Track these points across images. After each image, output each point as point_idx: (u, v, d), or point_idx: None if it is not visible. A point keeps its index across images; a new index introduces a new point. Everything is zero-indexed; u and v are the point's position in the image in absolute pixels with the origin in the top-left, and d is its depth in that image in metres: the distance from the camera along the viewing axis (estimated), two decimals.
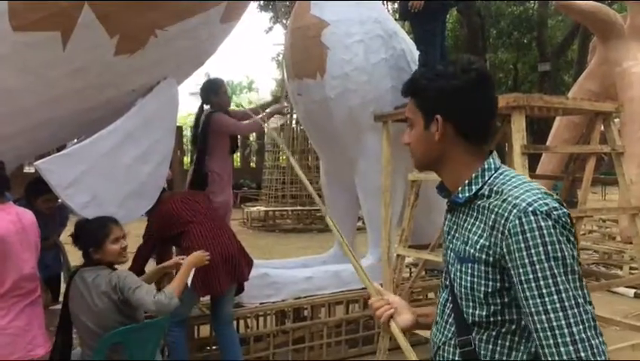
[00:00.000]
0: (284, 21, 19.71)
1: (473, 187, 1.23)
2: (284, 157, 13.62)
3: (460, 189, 1.25)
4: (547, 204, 1.11)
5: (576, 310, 1.07)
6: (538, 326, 1.08)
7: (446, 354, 1.28)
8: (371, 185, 4.17)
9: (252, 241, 8.81)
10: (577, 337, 1.05)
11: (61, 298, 3.95)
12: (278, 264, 4.71)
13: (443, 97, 1.24)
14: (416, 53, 4.27)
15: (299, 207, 12.63)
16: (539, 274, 1.08)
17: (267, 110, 4.52)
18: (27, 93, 3.05)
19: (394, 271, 3.74)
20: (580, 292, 1.09)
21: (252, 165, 19.02)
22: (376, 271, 4.24)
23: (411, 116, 1.32)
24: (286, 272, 4.22)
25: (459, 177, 1.26)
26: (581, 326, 1.06)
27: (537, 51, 16.85)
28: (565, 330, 1.06)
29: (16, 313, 2.47)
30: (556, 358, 1.06)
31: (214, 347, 3.82)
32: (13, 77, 2.97)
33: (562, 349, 1.06)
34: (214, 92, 4.34)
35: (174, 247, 3.98)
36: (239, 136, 4.80)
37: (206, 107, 4.44)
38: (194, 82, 23.50)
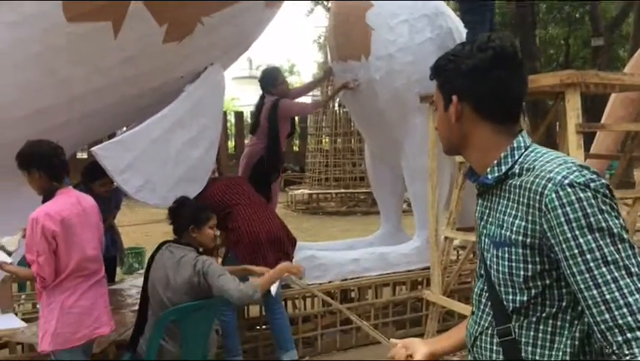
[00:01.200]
0: (326, 3, 19.56)
1: (503, 167, 1.17)
2: (326, 140, 13.62)
3: (489, 170, 1.19)
4: (583, 176, 1.05)
5: (629, 280, 1.00)
6: (590, 302, 1.02)
7: (483, 344, 1.24)
8: (417, 167, 4.13)
9: (296, 224, 8.89)
10: (634, 307, 0.98)
11: (117, 279, 4.15)
12: (324, 246, 4.75)
13: (458, 77, 1.19)
14: (464, 32, 4.16)
15: (342, 190, 12.63)
16: (584, 248, 1.02)
17: (336, 88, 4.64)
18: (81, 82, 3.16)
19: (442, 253, 3.71)
20: (632, 261, 1.02)
21: (295, 148, 19.13)
22: (424, 253, 4.23)
23: (435, 98, 1.29)
24: (333, 254, 4.25)
25: (486, 158, 1.21)
26: (638, 296, 0.99)
27: (590, 25, 16.09)
28: (620, 301, 0.99)
29: (82, 293, 2.59)
30: (616, 331, 1.00)
31: (264, 327, 3.90)
32: (67, 67, 3.08)
33: (620, 322, 0.99)
34: (271, 83, 4.43)
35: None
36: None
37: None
38: (237, 67, 23.74)
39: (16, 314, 3.53)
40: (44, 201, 2.61)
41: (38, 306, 3.86)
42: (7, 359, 3.28)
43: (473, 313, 1.29)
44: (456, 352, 1.46)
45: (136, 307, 3.01)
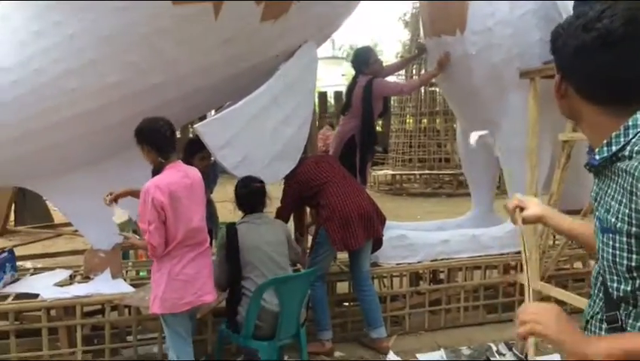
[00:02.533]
0: None
1: (613, 147, 1.08)
2: (410, 121, 13.37)
3: (597, 150, 1.11)
4: None
5: None
6: None
7: (593, 328, 1.19)
8: (515, 146, 3.95)
9: (379, 204, 8.80)
10: None
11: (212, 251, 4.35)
12: (413, 226, 4.70)
13: (562, 55, 1.13)
14: (570, 2, 3.89)
15: (427, 171, 12.39)
16: None
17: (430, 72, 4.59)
18: (184, 63, 3.31)
19: (540, 237, 3.55)
20: None
21: (378, 128, 18.98)
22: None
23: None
24: (423, 234, 4.20)
25: (596, 136, 1.13)
26: None
27: None
28: None
29: (188, 262, 2.75)
30: None
31: (352, 303, 3.95)
32: (171, 48, 3.23)
33: None
34: (364, 62, 4.41)
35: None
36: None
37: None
38: (320, 48, 23.70)
39: (124, 280, 3.81)
40: (153, 175, 2.79)
41: (141, 273, 4.17)
42: (117, 320, 3.56)
43: (590, 295, 1.24)
44: (566, 237, 1.43)
45: None
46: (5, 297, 3.41)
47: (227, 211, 4.99)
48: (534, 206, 1.43)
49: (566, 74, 1.14)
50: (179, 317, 2.79)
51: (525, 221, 1.43)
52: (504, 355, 3.59)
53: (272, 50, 3.54)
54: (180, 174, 2.75)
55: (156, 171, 2.77)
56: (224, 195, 4.46)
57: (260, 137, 3.46)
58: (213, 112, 4.20)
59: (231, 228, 3.13)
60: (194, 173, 2.86)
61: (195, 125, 3.26)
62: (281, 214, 3.74)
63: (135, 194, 2.91)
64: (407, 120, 13.45)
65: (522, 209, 1.43)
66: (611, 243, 1.08)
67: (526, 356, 3.38)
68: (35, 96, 3.15)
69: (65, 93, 3.17)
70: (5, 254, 3.70)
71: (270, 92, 3.48)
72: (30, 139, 3.26)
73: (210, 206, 4.40)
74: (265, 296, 2.89)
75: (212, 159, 3.96)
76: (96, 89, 3.21)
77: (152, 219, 2.63)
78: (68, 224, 6.22)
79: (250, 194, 3.23)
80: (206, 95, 3.63)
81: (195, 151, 3.89)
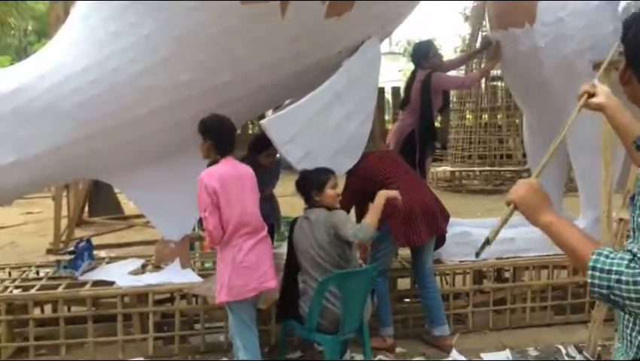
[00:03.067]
0: None
1: None
2: (469, 116, 13.06)
3: None
4: None
5: None
6: None
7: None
8: (587, 142, 3.78)
9: None
10: None
11: (274, 243, 4.44)
12: (477, 223, 4.60)
13: (629, 45, 1.19)
14: None
15: (487, 168, 12.08)
16: None
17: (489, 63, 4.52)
18: (250, 60, 3.40)
19: (615, 236, 3.39)
20: None
21: (437, 124, 18.66)
22: (593, 235, 3.89)
23: None
24: (487, 231, 4.09)
25: None
26: None
27: None
28: None
29: (249, 250, 2.88)
30: None
31: (413, 300, 3.92)
32: (239, 46, 3.32)
33: None
34: (424, 56, 4.36)
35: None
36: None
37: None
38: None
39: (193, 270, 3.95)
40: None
41: (206, 265, 4.31)
42: (186, 308, 3.70)
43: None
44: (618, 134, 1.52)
45: None
46: (83, 284, 3.63)
47: (288, 206, 5.07)
48: (602, 95, 1.51)
49: (631, 62, 1.19)
50: (244, 304, 2.89)
51: (587, 106, 1.54)
52: (573, 358, 3.47)
53: (336, 46, 3.57)
54: (229, 166, 2.91)
55: (210, 165, 2.92)
56: (284, 191, 4.54)
57: (324, 132, 3.50)
58: (270, 112, 4.28)
59: (292, 223, 3.22)
60: (242, 166, 3.02)
61: (261, 121, 3.34)
62: (342, 207, 3.73)
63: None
64: (467, 116, 13.15)
65: (590, 95, 1.53)
66: None
67: (599, 358, 3.25)
68: (112, 95, 3.32)
69: (140, 91, 3.32)
70: (84, 243, 3.94)
71: (334, 88, 3.51)
72: (106, 135, 3.45)
73: (272, 201, 4.50)
74: (328, 291, 2.93)
75: (277, 156, 4.05)
76: (168, 87, 3.35)
77: (206, 205, 2.79)
78: (139, 216, 6.54)
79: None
80: (271, 92, 3.70)
81: (262, 148, 3.98)
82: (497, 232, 1.35)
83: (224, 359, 3.53)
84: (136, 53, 3.22)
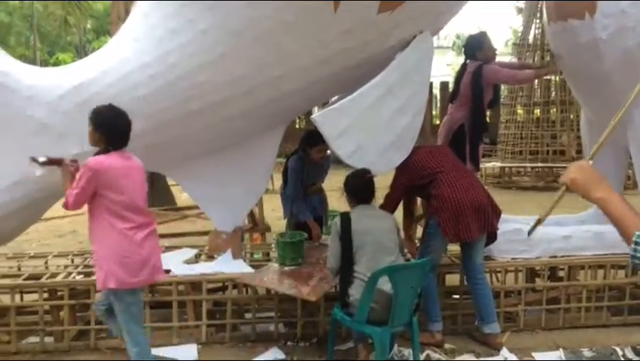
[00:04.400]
0: None
1: None
2: (520, 111, 12.70)
3: None
4: None
5: None
6: None
7: None
8: None
9: None
10: None
11: (322, 236, 4.48)
12: (529, 221, 4.49)
13: None
14: None
15: (539, 164, 11.73)
16: None
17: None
18: (304, 55, 3.43)
19: None
20: None
21: (487, 119, 18.24)
22: None
23: None
24: (541, 229, 3.97)
25: None
26: None
27: None
28: None
29: (140, 241, 2.80)
30: None
31: (463, 296, 3.88)
32: (292, 41, 3.36)
33: None
34: (478, 47, 4.28)
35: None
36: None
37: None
38: None
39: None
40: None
41: (255, 255, 4.39)
42: (237, 297, 3.81)
43: None
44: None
45: None
46: None
47: (335, 199, 5.12)
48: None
49: None
50: (135, 293, 2.85)
51: None
52: (630, 360, 3.35)
53: (388, 40, 3.56)
54: (119, 158, 2.79)
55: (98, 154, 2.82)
56: (330, 185, 4.58)
57: (375, 126, 3.50)
58: (316, 108, 4.31)
59: (345, 215, 3.22)
60: (134, 160, 2.89)
61: (312, 116, 3.38)
62: (389, 202, 3.72)
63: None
64: (518, 111, 12.80)
65: None
66: None
67: None
68: (169, 89, 3.44)
69: (196, 86, 3.42)
70: None
71: (385, 82, 3.51)
72: (164, 129, 3.57)
73: (321, 194, 4.55)
74: (379, 283, 2.94)
75: (328, 151, 4.08)
76: (223, 82, 3.44)
77: (82, 185, 2.70)
78: (192, 207, 6.73)
79: (361, 185, 3.29)
80: (322, 87, 3.74)
81: (314, 143, 4.03)
82: (549, 212, 1.51)
83: (274, 347, 3.60)
84: (194, 48, 3.32)
